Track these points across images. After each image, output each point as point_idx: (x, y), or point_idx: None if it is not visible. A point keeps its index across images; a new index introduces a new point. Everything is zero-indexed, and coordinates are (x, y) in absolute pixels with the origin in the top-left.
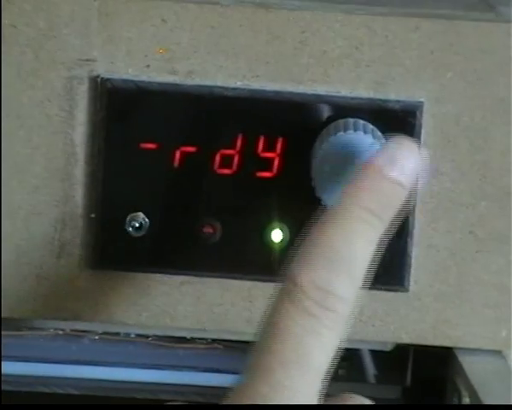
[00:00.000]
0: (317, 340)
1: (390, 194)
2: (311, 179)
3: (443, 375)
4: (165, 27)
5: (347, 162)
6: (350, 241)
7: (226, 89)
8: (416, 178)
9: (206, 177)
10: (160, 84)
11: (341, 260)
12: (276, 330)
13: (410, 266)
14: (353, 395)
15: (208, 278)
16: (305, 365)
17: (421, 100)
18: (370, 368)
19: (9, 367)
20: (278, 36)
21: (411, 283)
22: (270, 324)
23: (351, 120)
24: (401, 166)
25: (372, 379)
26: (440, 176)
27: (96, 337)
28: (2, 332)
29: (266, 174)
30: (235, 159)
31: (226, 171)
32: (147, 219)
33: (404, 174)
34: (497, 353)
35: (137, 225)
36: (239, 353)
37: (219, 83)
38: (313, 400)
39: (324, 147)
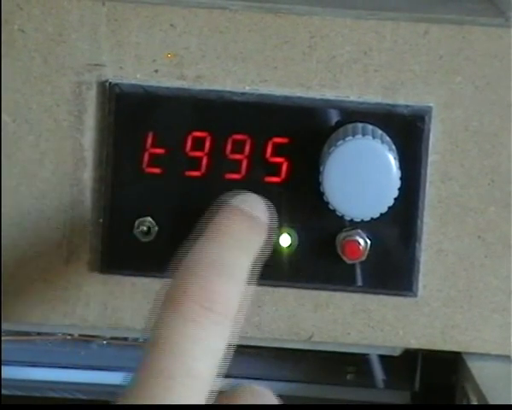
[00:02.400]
0: (199, 347)
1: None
2: (319, 184)
3: (452, 380)
4: (173, 32)
5: (356, 167)
6: (227, 248)
7: (235, 93)
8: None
9: (215, 181)
10: (168, 88)
11: (220, 267)
12: (158, 339)
13: (418, 271)
14: (254, 388)
15: None
16: (188, 372)
17: (430, 105)
18: (379, 373)
19: (18, 372)
20: (287, 41)
21: (420, 288)
22: (153, 333)
23: (359, 125)
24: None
25: (381, 384)
26: (449, 181)
27: (105, 342)
28: (10, 337)
29: (275, 179)
30: (244, 164)
31: (235, 176)
32: (155, 224)
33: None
34: (506, 358)
35: (146, 229)
36: (248, 358)
37: (228, 88)
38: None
39: (333, 152)
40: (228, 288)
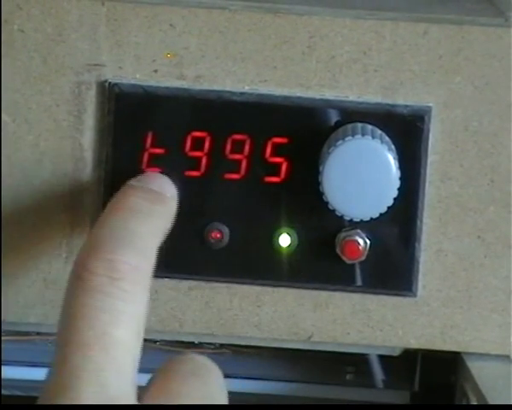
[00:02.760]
0: (112, 315)
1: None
2: (318, 184)
3: (451, 380)
4: (173, 32)
5: (356, 167)
6: (125, 219)
7: (234, 93)
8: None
9: (214, 182)
10: (168, 88)
11: (121, 237)
12: (71, 317)
13: (418, 271)
14: (192, 356)
15: (216, 283)
16: (105, 342)
17: (430, 105)
18: (378, 373)
19: (17, 372)
20: (286, 41)
21: (419, 288)
22: (65, 314)
23: (359, 125)
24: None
25: (380, 384)
26: (448, 181)
27: None
28: (10, 337)
29: (274, 179)
30: (243, 164)
31: (234, 176)
32: None
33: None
34: (506, 358)
35: None
36: (247, 358)
37: (227, 88)
38: (125, 374)
39: (332, 152)
40: (133, 259)
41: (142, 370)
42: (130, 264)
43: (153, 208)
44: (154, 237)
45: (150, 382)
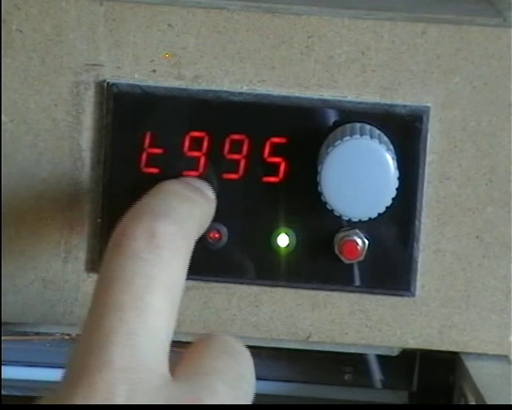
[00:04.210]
0: (148, 281)
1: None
2: (317, 184)
3: (449, 380)
4: (171, 32)
5: (354, 167)
6: (166, 198)
7: (232, 93)
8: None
9: (213, 182)
10: (166, 88)
11: (161, 209)
12: (108, 280)
13: (416, 271)
14: (225, 338)
15: (215, 283)
16: (139, 306)
17: (428, 105)
18: (377, 373)
19: (15, 372)
20: (285, 41)
21: (418, 288)
22: (102, 276)
23: (357, 125)
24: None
25: (378, 384)
26: (447, 181)
27: None
28: (8, 337)
29: (272, 179)
30: (242, 164)
31: (232, 176)
32: None
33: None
34: (504, 358)
35: None
36: None
37: (226, 88)
38: (158, 340)
39: (331, 152)
40: (171, 228)
41: None
42: (168, 231)
43: (193, 197)
44: (193, 220)
45: (183, 355)
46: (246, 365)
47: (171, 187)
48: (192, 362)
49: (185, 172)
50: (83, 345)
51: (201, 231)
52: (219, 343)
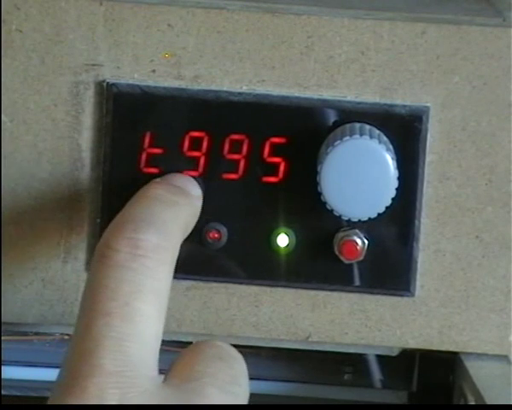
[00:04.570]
0: (134, 288)
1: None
2: (316, 184)
3: (449, 380)
4: (171, 32)
5: (353, 167)
6: (148, 205)
7: (232, 93)
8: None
9: (212, 181)
10: (165, 88)
11: (143, 218)
12: (94, 289)
13: (416, 271)
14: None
15: (215, 283)
16: (127, 312)
17: (428, 105)
18: (376, 373)
19: (15, 372)
20: (284, 41)
21: (417, 288)
22: (88, 287)
23: (357, 125)
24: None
25: (378, 384)
26: (446, 181)
27: None
28: (8, 337)
29: (272, 179)
30: (241, 164)
31: (232, 176)
32: None
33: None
34: (504, 358)
35: None
36: (245, 358)
37: (225, 88)
38: (148, 345)
39: (330, 152)
40: (154, 238)
41: None
42: (151, 242)
43: (176, 200)
44: (176, 225)
45: (175, 361)
46: (239, 369)
47: (153, 192)
48: (184, 367)
49: (185, 172)
50: (73, 351)
51: (187, 233)
52: (212, 348)
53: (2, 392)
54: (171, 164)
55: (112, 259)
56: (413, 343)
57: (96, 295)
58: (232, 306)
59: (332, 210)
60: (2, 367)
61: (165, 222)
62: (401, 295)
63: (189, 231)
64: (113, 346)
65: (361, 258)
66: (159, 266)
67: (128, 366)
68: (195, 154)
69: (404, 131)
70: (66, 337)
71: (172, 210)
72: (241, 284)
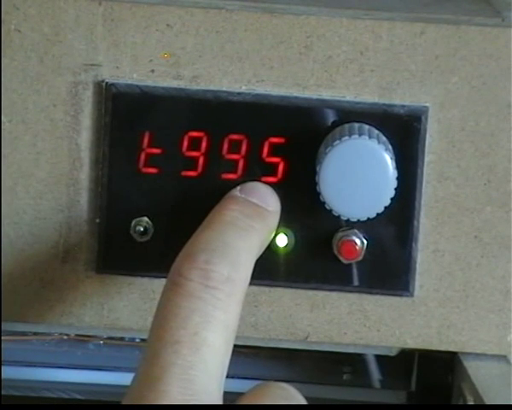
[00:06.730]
0: (204, 318)
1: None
2: (315, 184)
3: (448, 380)
4: (170, 32)
5: (352, 167)
6: (222, 232)
7: (231, 93)
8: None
9: (211, 181)
10: (164, 88)
11: (216, 248)
12: (164, 317)
13: (415, 271)
14: (281, 385)
15: None
16: (195, 341)
17: (427, 105)
18: (375, 373)
19: (14, 372)
20: (283, 41)
21: (416, 288)
22: (159, 314)
23: (356, 125)
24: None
25: (377, 384)
26: (445, 181)
27: (101, 342)
28: (7, 337)
29: (271, 179)
30: (240, 164)
31: (231, 176)
32: (151, 224)
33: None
34: (503, 358)
35: (142, 229)
36: (244, 358)
37: (224, 88)
38: (213, 375)
39: (329, 152)
40: (226, 270)
41: None
42: (223, 274)
43: (251, 225)
44: (249, 253)
45: (243, 396)
46: None
47: (228, 215)
48: (250, 402)
49: (184, 172)
50: (140, 377)
51: (259, 253)
52: (279, 389)
53: (2, 392)
54: (170, 164)
55: (183, 288)
56: (412, 343)
57: (166, 323)
58: None
59: (331, 210)
60: (2, 367)
61: (238, 253)
62: (400, 295)
63: (264, 249)
64: (180, 374)
65: (360, 258)
66: (229, 299)
67: (194, 395)
68: (194, 154)
69: (403, 131)
70: (65, 337)
71: (247, 237)
72: None
